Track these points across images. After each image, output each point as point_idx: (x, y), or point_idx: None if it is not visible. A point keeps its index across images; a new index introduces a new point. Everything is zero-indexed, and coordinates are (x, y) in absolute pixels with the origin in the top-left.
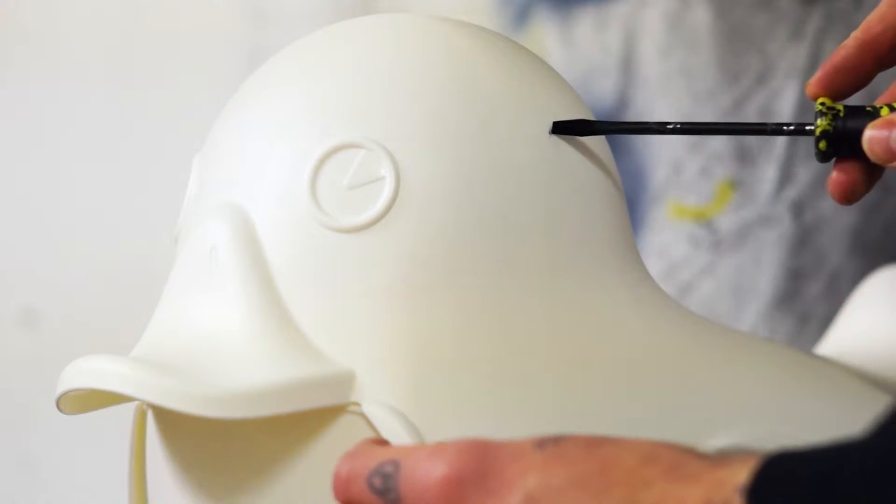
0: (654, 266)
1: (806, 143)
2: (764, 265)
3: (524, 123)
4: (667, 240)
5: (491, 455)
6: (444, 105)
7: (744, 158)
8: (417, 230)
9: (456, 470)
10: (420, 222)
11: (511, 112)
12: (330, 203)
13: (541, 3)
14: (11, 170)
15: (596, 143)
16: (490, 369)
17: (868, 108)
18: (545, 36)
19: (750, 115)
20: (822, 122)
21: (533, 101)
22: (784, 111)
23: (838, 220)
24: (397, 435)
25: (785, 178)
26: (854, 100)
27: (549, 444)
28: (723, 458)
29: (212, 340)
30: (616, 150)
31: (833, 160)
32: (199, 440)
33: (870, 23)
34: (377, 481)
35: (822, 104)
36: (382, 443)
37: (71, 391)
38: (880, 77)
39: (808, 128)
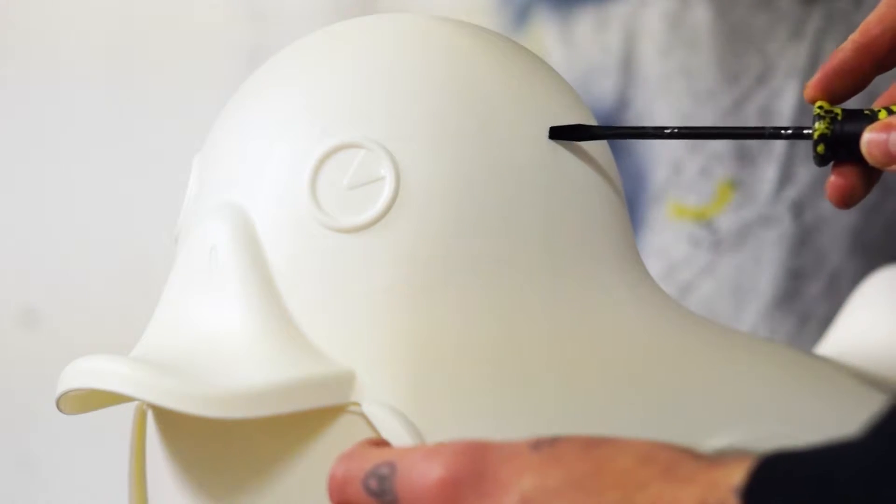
0: (654, 266)
1: (806, 144)
2: (764, 265)
3: (524, 124)
4: (667, 240)
5: (487, 456)
6: (444, 105)
7: (744, 158)
8: (417, 230)
9: (452, 471)
10: (420, 222)
11: (511, 112)
12: (330, 203)
13: (541, 3)
14: (11, 170)
15: (596, 144)
16: (490, 369)
17: (866, 112)
18: (545, 36)
19: (750, 116)
20: (820, 126)
21: (533, 102)
22: (784, 111)
23: (838, 220)
24: (397, 435)
25: (785, 178)
26: (853, 102)
27: (545, 446)
28: (719, 458)
29: (212, 340)
30: (616, 150)
31: (831, 164)
32: (199, 440)
33: (868, 25)
34: (373, 483)
35: (820, 108)
36: (379, 444)
37: (71, 391)
38: (879, 79)
39: (806, 131)
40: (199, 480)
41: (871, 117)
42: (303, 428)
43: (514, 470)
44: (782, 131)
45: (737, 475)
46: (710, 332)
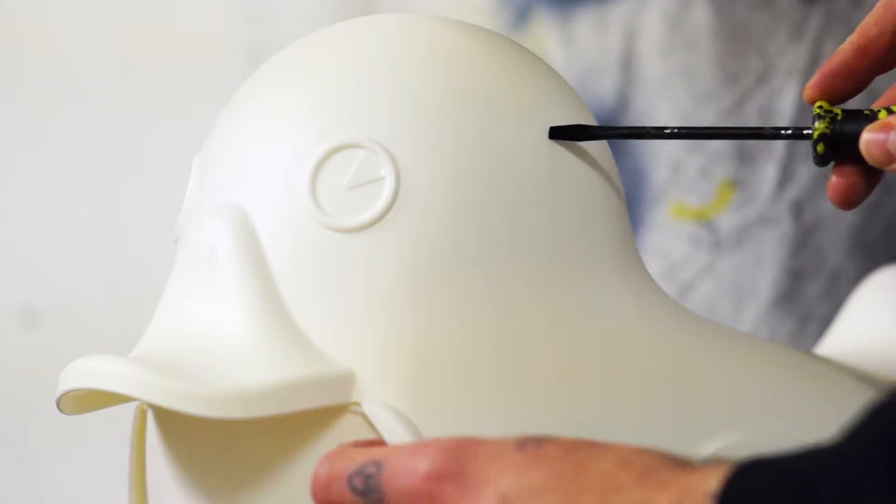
0: (654, 266)
1: (806, 144)
2: (764, 265)
3: (524, 124)
4: (667, 240)
5: (472, 453)
6: (444, 105)
7: (744, 158)
8: (418, 230)
9: (437, 468)
10: (420, 222)
11: (511, 112)
12: (330, 203)
13: (541, 3)
14: (11, 170)
15: (596, 144)
16: (490, 369)
17: (866, 112)
18: (545, 36)
19: (750, 116)
20: (819, 126)
21: (533, 102)
22: (784, 111)
23: (838, 220)
24: (397, 435)
25: (785, 178)
26: (853, 104)
27: (531, 445)
28: (696, 464)
29: (212, 341)
30: (616, 150)
31: (832, 165)
32: (199, 440)
33: (866, 26)
34: (358, 482)
35: (820, 108)
36: (364, 445)
37: (71, 391)
38: (880, 80)
39: (805, 132)
40: (199, 481)
41: (871, 117)
42: (303, 428)
43: (497, 468)
44: (782, 131)
45: (712, 481)
46: (710, 332)
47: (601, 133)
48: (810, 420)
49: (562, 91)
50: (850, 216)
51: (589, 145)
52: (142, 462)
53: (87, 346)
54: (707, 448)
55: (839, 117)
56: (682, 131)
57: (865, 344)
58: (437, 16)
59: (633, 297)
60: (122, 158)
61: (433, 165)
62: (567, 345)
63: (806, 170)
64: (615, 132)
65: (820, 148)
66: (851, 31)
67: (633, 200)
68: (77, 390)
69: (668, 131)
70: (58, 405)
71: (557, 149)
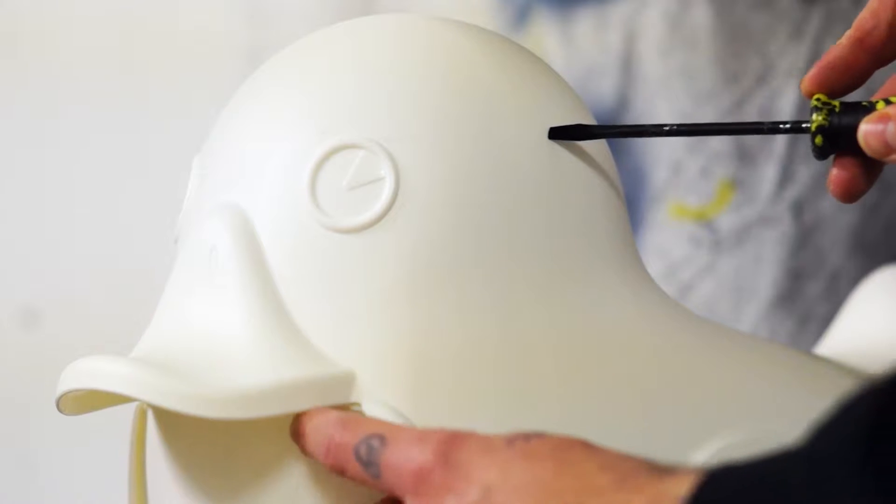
0: (654, 266)
1: (806, 143)
2: (764, 265)
3: (524, 124)
4: (667, 240)
5: (463, 448)
6: (444, 105)
7: (744, 158)
8: (417, 231)
9: (431, 460)
10: (420, 223)
11: (511, 113)
12: (330, 203)
13: (541, 3)
14: (12, 170)
15: (596, 145)
16: (490, 369)
17: (864, 104)
18: (545, 36)
19: (750, 116)
20: (817, 118)
21: (533, 103)
22: (784, 111)
23: (838, 220)
24: None
25: (785, 178)
26: (853, 98)
27: (520, 442)
28: (671, 470)
29: (212, 341)
30: (616, 150)
31: (832, 158)
32: (199, 441)
33: (862, 20)
34: (363, 451)
35: (818, 100)
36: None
37: (71, 392)
38: (880, 73)
39: (804, 125)
40: (199, 481)
41: (869, 109)
42: None
43: (484, 464)
44: (781, 125)
45: (683, 487)
46: (709, 332)
47: (600, 132)
48: (810, 420)
49: (561, 91)
50: (850, 216)
51: (588, 145)
52: (142, 462)
53: (87, 346)
54: (707, 448)
55: (837, 109)
56: (682, 128)
57: (865, 344)
58: (436, 16)
59: (632, 297)
60: (122, 158)
61: (433, 166)
62: (567, 345)
63: (806, 170)
64: (614, 131)
65: (818, 140)
66: None
67: (633, 200)
68: (77, 391)
69: (667, 128)
70: (57, 406)
71: (557, 149)
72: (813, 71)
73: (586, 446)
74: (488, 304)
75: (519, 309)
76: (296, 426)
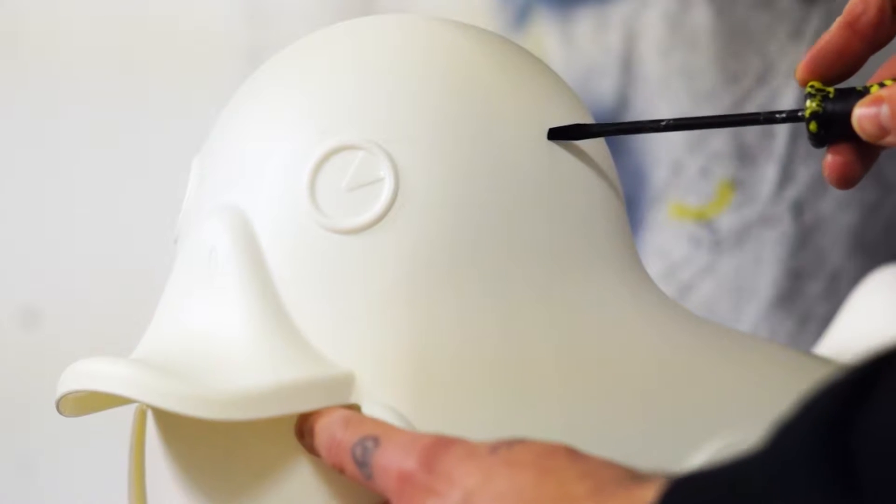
0: (654, 266)
1: (806, 143)
2: (764, 265)
3: (523, 125)
4: (667, 240)
5: (448, 453)
6: (443, 107)
7: (744, 158)
8: (417, 232)
9: (417, 464)
10: (419, 224)
11: (510, 114)
12: (329, 204)
13: (541, 3)
14: (12, 170)
15: (595, 145)
16: (489, 369)
17: (858, 89)
18: (545, 36)
19: None
20: (811, 104)
21: (532, 103)
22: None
23: (838, 220)
24: None
25: (785, 178)
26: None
27: (503, 448)
28: (647, 477)
29: (211, 342)
30: (616, 150)
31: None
32: (199, 442)
33: (852, 4)
34: (359, 451)
35: (812, 87)
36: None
37: (70, 393)
38: (877, 60)
39: (800, 113)
40: (199, 482)
41: (864, 93)
42: None
43: (466, 470)
44: (777, 115)
45: (651, 494)
46: (709, 333)
47: (599, 130)
48: None
49: (561, 92)
50: (850, 216)
51: (587, 146)
52: (141, 463)
53: (87, 347)
54: (707, 448)
55: (831, 95)
56: (679, 122)
57: (865, 344)
58: (436, 16)
59: (632, 298)
60: (122, 158)
61: (432, 166)
62: (566, 345)
63: (806, 170)
64: (612, 128)
65: (812, 126)
66: None
67: (633, 200)
68: (76, 392)
69: (664, 123)
70: (57, 407)
71: (556, 149)
72: (806, 58)
73: (570, 453)
74: (488, 305)
75: (518, 309)
76: (305, 424)
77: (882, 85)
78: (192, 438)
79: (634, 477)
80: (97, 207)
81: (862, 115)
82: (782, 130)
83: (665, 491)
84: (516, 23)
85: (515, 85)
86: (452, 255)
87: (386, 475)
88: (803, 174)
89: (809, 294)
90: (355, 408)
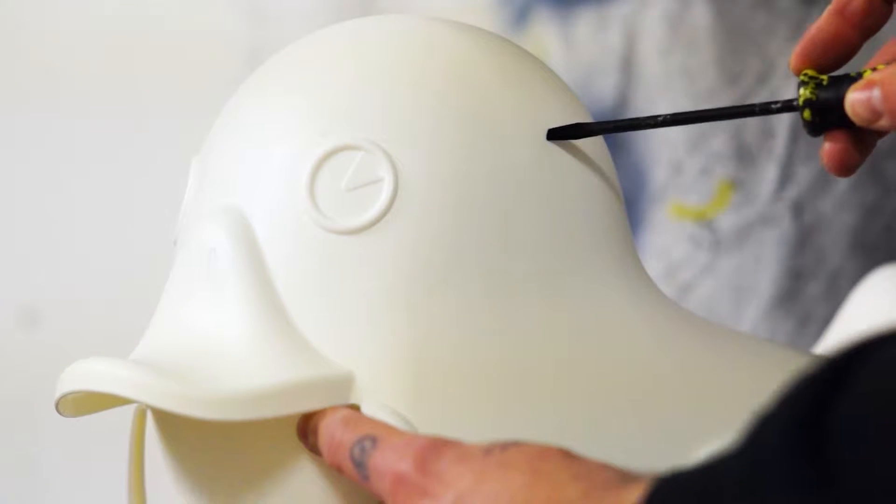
0: (654, 266)
1: (806, 143)
2: (764, 265)
3: (522, 126)
4: (667, 240)
5: (442, 455)
6: (442, 107)
7: (744, 158)
8: (416, 232)
9: (411, 466)
10: (419, 224)
11: (509, 114)
12: (328, 205)
13: (541, 3)
14: (12, 170)
15: (594, 146)
16: (489, 370)
17: (852, 75)
18: (545, 36)
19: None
20: (804, 92)
21: (531, 104)
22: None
23: (838, 220)
24: None
25: (785, 178)
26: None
27: (496, 450)
28: (636, 478)
29: (211, 342)
30: (616, 150)
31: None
32: (199, 443)
33: None
34: (357, 452)
35: (805, 75)
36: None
37: (70, 394)
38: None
39: (795, 103)
40: (198, 483)
41: (857, 79)
42: None
43: (460, 471)
44: (772, 105)
45: (636, 495)
46: (709, 333)
47: (596, 128)
48: None
49: (560, 92)
50: (850, 216)
51: (586, 146)
52: (140, 464)
53: (87, 347)
54: (706, 449)
55: (825, 82)
56: (676, 117)
57: None
58: (436, 17)
59: (631, 299)
60: (122, 158)
61: (431, 166)
62: (565, 345)
63: (806, 170)
64: (610, 126)
65: (806, 114)
66: None
67: (633, 200)
68: (75, 392)
69: (660, 119)
70: (56, 407)
71: (555, 150)
72: (798, 47)
73: (564, 456)
74: (487, 305)
75: (517, 309)
76: (309, 424)
77: (875, 70)
78: (191, 439)
79: (624, 478)
80: (97, 207)
81: (854, 99)
82: (782, 130)
83: (648, 492)
84: (516, 23)
85: (515, 85)
86: (452, 254)
87: (381, 476)
88: (803, 174)
89: (809, 294)
90: (355, 408)
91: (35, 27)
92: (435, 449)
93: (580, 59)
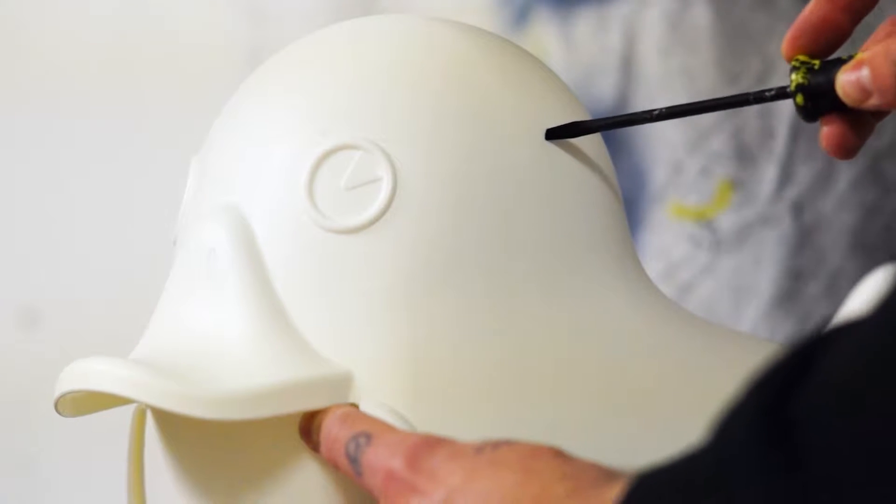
0: (654, 266)
1: (806, 143)
2: (764, 265)
3: (521, 125)
4: (667, 240)
5: (434, 453)
6: (441, 107)
7: (744, 158)
8: (415, 231)
9: (403, 463)
10: (418, 223)
11: (508, 114)
12: (327, 204)
13: (541, 3)
14: (11, 170)
15: (593, 145)
16: (488, 369)
17: (843, 58)
18: (545, 36)
19: (750, 114)
20: (796, 77)
21: (530, 104)
22: (784, 110)
23: (838, 220)
24: None
25: (785, 178)
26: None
27: (488, 449)
28: (616, 475)
29: (210, 342)
30: (616, 150)
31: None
32: (198, 442)
33: None
34: (352, 448)
35: (796, 60)
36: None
37: (69, 393)
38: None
39: (788, 89)
40: (198, 482)
41: (848, 62)
42: None
43: (451, 469)
44: (766, 93)
45: (616, 492)
46: (707, 332)
47: (594, 126)
48: None
49: (559, 92)
50: (850, 216)
51: (585, 146)
52: (140, 463)
53: (87, 347)
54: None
55: (816, 67)
56: (672, 110)
57: None
58: (436, 17)
59: (630, 299)
60: (122, 158)
61: (430, 166)
62: (564, 345)
63: (806, 170)
64: (607, 122)
65: (799, 99)
66: None
67: (633, 200)
68: (75, 392)
69: (656, 113)
70: (56, 407)
71: (554, 150)
72: (789, 33)
73: (556, 455)
74: (486, 304)
75: (516, 308)
76: (312, 423)
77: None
78: (191, 438)
79: (609, 476)
80: (97, 207)
81: (844, 80)
82: (782, 130)
83: (627, 488)
84: (516, 23)
85: (514, 85)
86: (451, 254)
87: (373, 473)
88: (803, 174)
89: (809, 294)
90: (354, 407)
91: (35, 27)
92: (427, 446)
93: (580, 58)
